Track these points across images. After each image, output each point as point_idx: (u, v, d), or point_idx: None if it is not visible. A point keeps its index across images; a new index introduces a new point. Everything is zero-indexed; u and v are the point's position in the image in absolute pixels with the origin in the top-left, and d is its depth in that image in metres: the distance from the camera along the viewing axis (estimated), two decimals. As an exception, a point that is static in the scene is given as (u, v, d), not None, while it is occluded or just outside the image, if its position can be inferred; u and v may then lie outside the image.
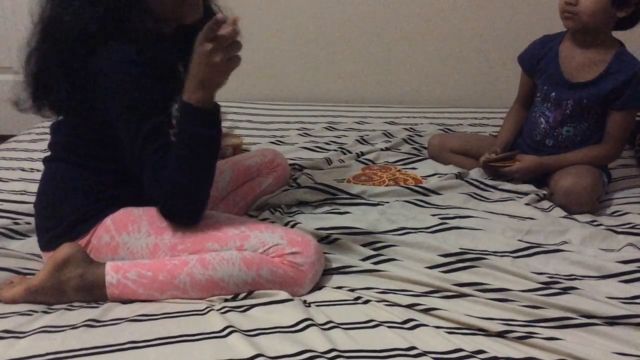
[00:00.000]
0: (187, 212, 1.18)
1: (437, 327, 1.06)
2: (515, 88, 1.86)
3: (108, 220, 1.22)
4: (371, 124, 2.30)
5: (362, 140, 2.08)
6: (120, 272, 1.14)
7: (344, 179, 1.72)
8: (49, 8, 1.18)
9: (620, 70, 1.59)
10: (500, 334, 1.05)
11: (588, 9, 1.54)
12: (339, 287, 1.20)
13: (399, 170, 1.81)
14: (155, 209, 1.21)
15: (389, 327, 1.06)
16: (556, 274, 1.24)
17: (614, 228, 1.44)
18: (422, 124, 2.30)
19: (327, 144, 2.05)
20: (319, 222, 1.43)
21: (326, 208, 1.52)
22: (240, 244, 1.17)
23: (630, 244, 1.35)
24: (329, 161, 1.86)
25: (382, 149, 1.97)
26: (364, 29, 2.61)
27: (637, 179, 1.77)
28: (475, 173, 1.76)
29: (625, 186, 1.73)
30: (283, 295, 1.14)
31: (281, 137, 2.11)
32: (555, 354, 1.00)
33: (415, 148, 2.01)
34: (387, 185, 1.68)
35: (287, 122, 2.29)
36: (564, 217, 1.53)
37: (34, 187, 1.62)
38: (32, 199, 1.53)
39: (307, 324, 1.05)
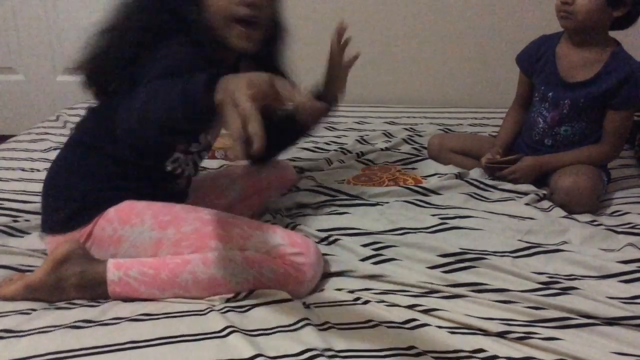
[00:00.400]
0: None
1: (437, 327, 1.06)
2: (515, 88, 1.86)
3: (111, 212, 1.21)
4: (371, 124, 2.30)
5: (362, 140, 2.08)
6: (122, 270, 1.14)
7: (344, 180, 1.72)
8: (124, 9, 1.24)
9: (616, 70, 1.59)
10: (500, 334, 1.05)
11: (584, 9, 1.55)
12: (339, 289, 1.20)
13: (398, 171, 1.81)
14: (160, 203, 1.22)
15: (388, 327, 1.06)
16: (556, 274, 1.24)
17: (614, 228, 1.44)
18: (422, 124, 2.30)
19: (327, 144, 2.05)
20: (319, 223, 1.43)
21: (326, 209, 1.52)
22: (242, 243, 1.17)
23: (630, 244, 1.35)
24: (329, 162, 1.86)
25: (382, 149, 1.97)
26: (364, 29, 2.61)
27: (637, 179, 1.77)
28: (475, 173, 1.76)
29: (625, 186, 1.73)
30: (283, 295, 1.14)
31: (281, 137, 2.11)
32: (555, 354, 1.00)
33: (415, 148, 2.01)
34: (386, 186, 1.68)
35: (287, 123, 2.29)
36: (564, 217, 1.53)
37: (34, 187, 1.64)
38: (32, 198, 1.54)
39: (304, 323, 1.05)
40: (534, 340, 1.02)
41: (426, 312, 1.11)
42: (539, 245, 1.34)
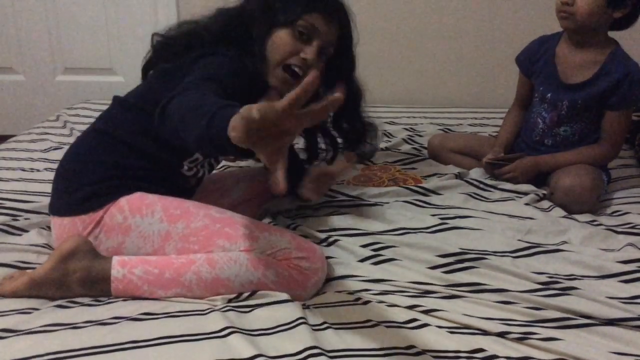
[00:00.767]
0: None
1: (437, 327, 1.06)
2: (515, 88, 1.86)
3: (123, 201, 1.22)
4: (371, 124, 2.30)
5: (362, 140, 2.08)
6: (126, 267, 1.15)
7: (344, 180, 1.72)
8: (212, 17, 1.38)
9: (613, 71, 1.60)
10: (500, 334, 1.05)
11: (584, 9, 1.55)
12: (339, 291, 1.20)
13: (398, 171, 1.81)
14: (171, 197, 1.24)
15: (388, 326, 1.06)
16: (556, 274, 1.24)
17: (614, 228, 1.44)
18: (422, 124, 2.30)
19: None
20: (319, 224, 1.43)
21: (326, 210, 1.52)
22: (249, 244, 1.17)
23: (630, 244, 1.35)
24: (329, 162, 1.86)
25: (382, 149, 1.97)
26: (364, 29, 2.61)
27: (637, 179, 1.77)
28: (475, 173, 1.76)
29: (625, 186, 1.73)
30: (284, 296, 1.14)
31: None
32: (555, 355, 1.00)
33: (415, 148, 2.01)
34: (386, 186, 1.68)
35: (287, 123, 2.28)
36: (564, 217, 1.53)
37: (34, 187, 1.64)
38: (32, 198, 1.54)
39: (300, 322, 1.05)
40: (533, 341, 1.02)
41: (426, 312, 1.11)
42: (539, 245, 1.34)
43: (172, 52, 1.33)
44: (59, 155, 1.52)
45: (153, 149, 1.28)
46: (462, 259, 1.27)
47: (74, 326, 1.05)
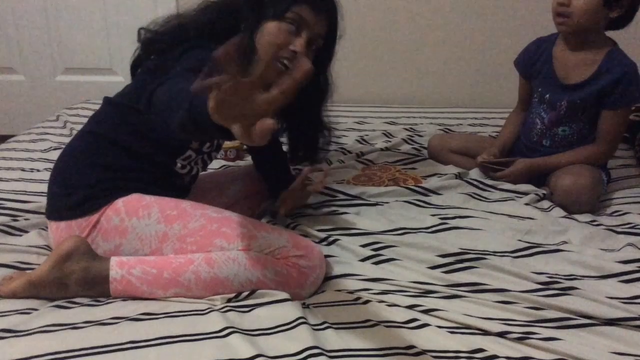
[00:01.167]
0: None
1: (437, 327, 1.06)
2: (515, 88, 1.86)
3: (119, 202, 1.22)
4: (371, 124, 2.30)
5: (362, 140, 2.08)
6: (125, 268, 1.15)
7: (344, 180, 1.72)
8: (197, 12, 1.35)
9: (610, 70, 1.60)
10: (500, 334, 1.05)
11: (580, 10, 1.55)
12: (339, 290, 1.20)
13: (398, 171, 1.81)
14: (167, 198, 1.23)
15: (388, 326, 1.06)
16: (556, 274, 1.24)
17: (614, 228, 1.44)
18: (422, 124, 2.30)
19: (326, 144, 2.04)
20: (319, 223, 1.43)
21: (326, 209, 1.52)
22: (247, 243, 1.17)
23: (630, 244, 1.35)
24: (328, 162, 1.86)
25: (382, 149, 1.97)
26: (364, 29, 2.61)
27: (637, 179, 1.77)
28: (475, 173, 1.76)
29: (625, 186, 1.73)
30: (284, 295, 1.14)
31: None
32: (554, 354, 1.00)
33: (415, 148, 2.01)
34: (386, 186, 1.68)
35: (287, 122, 2.29)
36: (563, 217, 1.53)
37: (34, 187, 1.64)
38: (32, 198, 1.54)
39: (300, 322, 1.05)
40: (533, 341, 1.02)
41: (426, 312, 1.11)
42: (538, 245, 1.34)
43: (159, 47, 1.32)
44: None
45: (145, 148, 1.28)
46: (462, 259, 1.27)
47: (73, 326, 1.05)
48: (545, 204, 1.60)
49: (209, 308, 1.11)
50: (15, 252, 1.30)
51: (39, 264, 1.20)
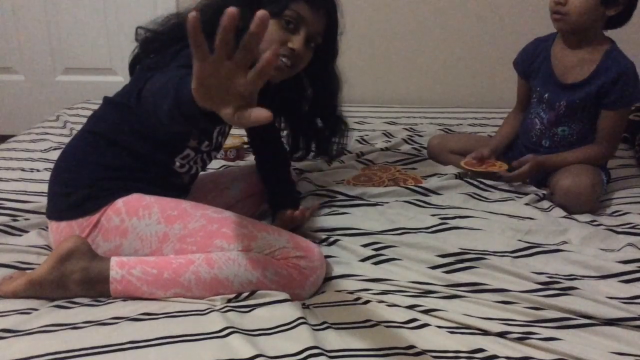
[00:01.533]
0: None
1: (437, 327, 1.06)
2: (515, 88, 1.86)
3: (120, 202, 1.22)
4: (371, 124, 2.30)
5: (362, 140, 2.08)
6: (125, 268, 1.15)
7: (344, 180, 1.72)
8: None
9: (609, 69, 1.60)
10: (500, 334, 1.05)
11: (577, 9, 1.55)
12: (339, 291, 1.20)
13: (398, 171, 1.81)
14: (168, 198, 1.23)
15: (388, 326, 1.06)
16: (556, 274, 1.24)
17: (614, 228, 1.44)
18: (422, 124, 2.30)
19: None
20: (319, 223, 1.43)
21: (326, 210, 1.52)
22: (247, 244, 1.17)
23: (630, 244, 1.35)
24: (328, 162, 1.86)
25: (382, 149, 1.97)
26: (364, 29, 2.61)
27: (637, 179, 1.77)
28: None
29: (625, 186, 1.73)
30: (284, 296, 1.14)
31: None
32: (554, 354, 1.00)
33: (415, 148, 2.01)
34: (386, 186, 1.68)
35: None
36: (563, 217, 1.53)
37: (34, 187, 1.64)
38: (32, 198, 1.54)
39: (300, 322, 1.05)
40: (533, 341, 1.02)
41: (426, 312, 1.11)
42: (539, 245, 1.34)
43: (157, 46, 1.31)
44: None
45: (144, 147, 1.27)
46: (462, 259, 1.27)
47: (73, 326, 1.05)
48: (545, 204, 1.60)
49: (209, 308, 1.11)
50: (15, 252, 1.30)
51: (39, 264, 1.20)
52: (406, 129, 2.20)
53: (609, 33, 1.66)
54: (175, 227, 1.19)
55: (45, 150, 1.98)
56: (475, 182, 1.70)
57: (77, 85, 2.84)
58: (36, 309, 1.11)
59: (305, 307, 1.14)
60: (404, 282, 1.21)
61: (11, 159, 1.90)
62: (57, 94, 2.85)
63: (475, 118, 2.40)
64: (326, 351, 0.98)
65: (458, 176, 1.73)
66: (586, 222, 1.49)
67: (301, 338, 1.01)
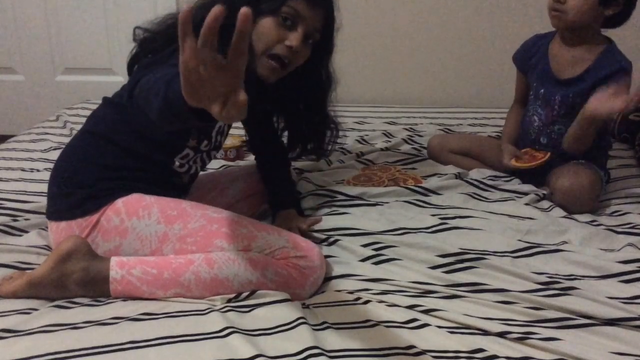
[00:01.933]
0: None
1: (437, 327, 1.06)
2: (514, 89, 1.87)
3: (119, 202, 1.22)
4: (371, 124, 2.30)
5: (362, 140, 2.08)
6: (125, 268, 1.15)
7: (344, 180, 1.72)
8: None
9: (604, 66, 1.59)
10: (500, 334, 1.05)
11: (575, 8, 1.55)
12: (339, 290, 1.20)
13: (398, 171, 1.80)
14: (167, 198, 1.23)
15: (388, 326, 1.06)
16: (556, 274, 1.24)
17: (614, 228, 1.44)
18: (422, 124, 2.30)
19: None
20: (319, 223, 1.43)
21: (326, 210, 1.52)
22: (247, 244, 1.17)
23: (630, 244, 1.35)
24: (328, 162, 1.86)
25: (381, 149, 1.97)
26: (364, 29, 2.62)
27: (637, 179, 1.77)
28: (475, 173, 1.76)
29: (625, 186, 1.73)
30: (284, 296, 1.14)
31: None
32: (554, 354, 1.00)
33: (415, 148, 2.01)
34: (386, 186, 1.68)
35: (287, 122, 2.28)
36: (563, 217, 1.53)
37: (34, 187, 1.64)
38: (32, 198, 1.54)
39: (300, 322, 1.05)
40: (533, 341, 1.02)
41: (426, 312, 1.11)
42: (538, 245, 1.34)
43: (155, 46, 1.31)
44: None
45: (143, 147, 1.28)
46: (462, 259, 1.27)
47: (73, 326, 1.05)
48: (545, 204, 1.60)
49: (209, 308, 1.11)
50: (15, 252, 1.30)
51: (39, 264, 1.20)
52: (406, 129, 2.20)
53: (609, 33, 1.66)
54: (175, 227, 1.19)
55: (45, 150, 1.98)
56: (475, 182, 1.70)
57: (77, 85, 2.84)
58: (36, 309, 1.11)
59: (305, 307, 1.14)
60: (404, 282, 1.21)
61: (11, 159, 1.90)
62: (57, 94, 2.85)
63: (475, 118, 2.40)
64: (326, 351, 0.98)
65: (458, 176, 1.73)
66: (586, 222, 1.49)
67: (301, 338, 1.01)
